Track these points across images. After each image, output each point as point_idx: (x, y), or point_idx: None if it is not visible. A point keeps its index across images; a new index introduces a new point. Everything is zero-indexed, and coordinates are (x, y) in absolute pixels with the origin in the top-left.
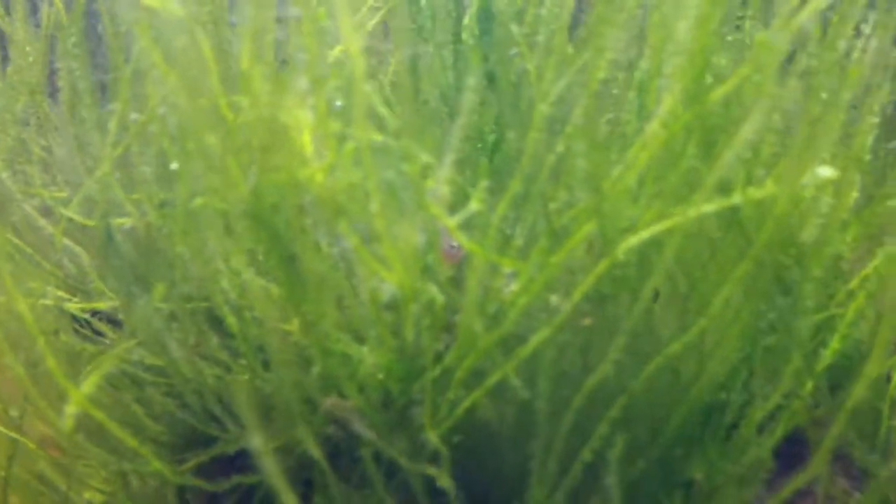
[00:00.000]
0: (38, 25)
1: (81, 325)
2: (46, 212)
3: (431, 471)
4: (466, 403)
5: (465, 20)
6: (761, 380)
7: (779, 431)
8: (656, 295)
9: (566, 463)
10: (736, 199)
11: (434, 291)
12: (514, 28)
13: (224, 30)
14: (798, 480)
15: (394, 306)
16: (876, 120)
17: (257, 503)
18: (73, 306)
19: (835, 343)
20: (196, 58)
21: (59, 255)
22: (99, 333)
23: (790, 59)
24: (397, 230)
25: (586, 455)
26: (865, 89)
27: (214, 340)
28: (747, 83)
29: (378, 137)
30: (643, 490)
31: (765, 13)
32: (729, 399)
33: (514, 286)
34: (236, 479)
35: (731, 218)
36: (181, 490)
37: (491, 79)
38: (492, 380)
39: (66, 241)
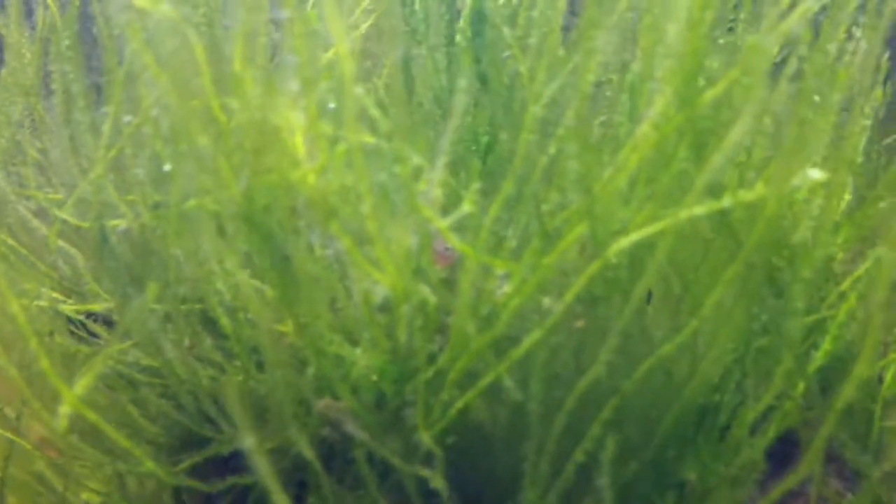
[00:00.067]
0: (33, 28)
1: (76, 327)
2: (41, 213)
3: (425, 472)
4: (459, 405)
5: (459, 23)
6: (753, 381)
7: (771, 432)
8: (649, 296)
9: (559, 464)
10: (726, 201)
11: (427, 293)
12: (507, 31)
13: (218, 32)
14: (789, 481)
15: (387, 308)
16: (868, 122)
17: None
18: (68, 308)
19: (826, 344)
20: (188, 60)
21: (53, 257)
22: (94, 335)
23: (783, 62)
24: (389, 232)
25: (579, 456)
26: (857, 92)
27: (209, 342)
28: (738, 86)
29: (370, 139)
30: (636, 491)
31: (757, 16)
32: (721, 400)
33: (507, 288)
34: (231, 479)
35: (722, 220)
36: (177, 491)
37: (483, 81)
38: (485, 381)
39: (61, 243)
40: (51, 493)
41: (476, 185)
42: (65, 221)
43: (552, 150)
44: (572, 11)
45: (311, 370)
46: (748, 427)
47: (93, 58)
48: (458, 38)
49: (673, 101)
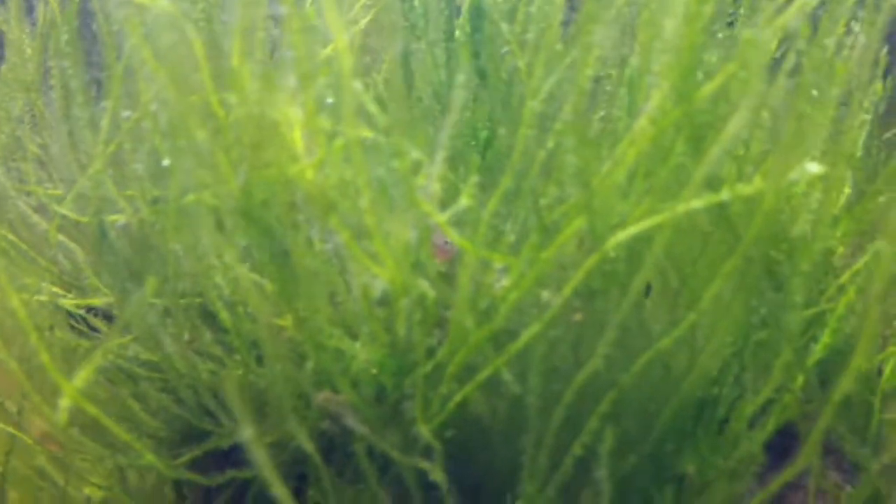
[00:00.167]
0: (33, 24)
1: (76, 322)
2: (41, 209)
3: (424, 465)
4: (458, 398)
5: (458, 18)
6: (752, 374)
7: (770, 425)
8: (647, 290)
9: (557, 457)
10: (725, 195)
11: (425, 287)
12: (505, 26)
13: (216, 27)
14: (787, 473)
15: (386, 302)
16: (867, 117)
17: (252, 498)
18: (68, 302)
19: (825, 337)
20: (186, 55)
21: (53, 252)
22: (94, 329)
23: (782, 56)
24: (388, 226)
25: (577, 449)
26: (855, 87)
27: (208, 336)
28: (735, 80)
29: (368, 134)
30: (634, 484)
31: (756, 10)
32: (720, 393)
33: (506, 282)
34: (231, 473)
35: (720, 214)
36: (178, 485)
37: (482, 76)
38: (483, 374)
39: (61, 238)
40: (52, 487)
41: (474, 180)
42: (64, 216)
43: (550, 144)
44: (571, 6)
45: (310, 364)
46: (747, 420)
47: (92, 53)
48: (457, 33)
49: (671, 95)
